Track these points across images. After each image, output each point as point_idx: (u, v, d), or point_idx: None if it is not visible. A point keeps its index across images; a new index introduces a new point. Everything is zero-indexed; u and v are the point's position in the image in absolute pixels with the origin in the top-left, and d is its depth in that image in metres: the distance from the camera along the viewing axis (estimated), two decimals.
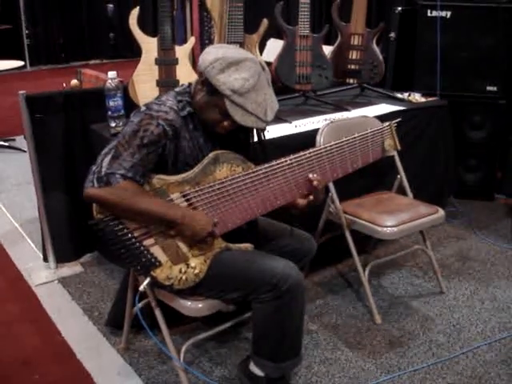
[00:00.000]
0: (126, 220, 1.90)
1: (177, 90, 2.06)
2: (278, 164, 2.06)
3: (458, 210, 3.93)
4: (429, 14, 3.84)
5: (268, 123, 1.99)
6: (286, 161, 2.08)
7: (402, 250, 3.20)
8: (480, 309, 2.88)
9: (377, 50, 3.61)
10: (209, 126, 2.03)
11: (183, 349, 2.20)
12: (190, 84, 2.07)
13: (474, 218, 3.88)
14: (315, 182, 2.09)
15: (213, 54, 1.92)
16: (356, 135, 2.31)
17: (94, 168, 1.88)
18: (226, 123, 1.99)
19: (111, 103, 2.79)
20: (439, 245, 3.52)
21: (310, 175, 2.11)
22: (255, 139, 2.16)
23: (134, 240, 1.90)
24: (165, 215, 1.90)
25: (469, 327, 2.73)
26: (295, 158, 2.10)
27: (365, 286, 2.79)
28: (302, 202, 2.15)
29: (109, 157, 1.88)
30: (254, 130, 2.14)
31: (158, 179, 1.94)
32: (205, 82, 1.94)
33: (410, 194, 3.01)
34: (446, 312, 2.85)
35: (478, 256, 3.41)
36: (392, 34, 4.08)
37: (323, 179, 2.15)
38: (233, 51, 1.95)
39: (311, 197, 2.13)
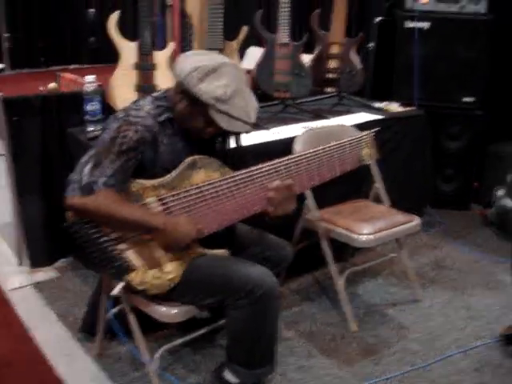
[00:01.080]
0: (102, 224, 1.89)
1: (154, 94, 2.05)
2: (255, 170, 2.06)
3: (435, 219, 3.97)
4: (407, 25, 3.88)
5: (253, 125, 2.00)
6: (263, 167, 2.08)
7: (379, 257, 3.21)
8: (455, 317, 2.90)
9: (356, 59, 3.64)
10: (193, 133, 2.04)
11: (157, 355, 2.19)
12: (167, 89, 2.07)
13: (450, 227, 3.92)
14: (270, 193, 2.05)
15: (189, 62, 1.91)
16: (334, 143, 2.32)
17: (74, 177, 1.87)
18: (211, 129, 2.00)
19: (89, 107, 2.78)
20: (415, 253, 3.54)
21: (269, 185, 2.07)
22: (232, 145, 2.16)
23: (108, 244, 1.89)
24: (146, 222, 1.90)
25: (443, 335, 2.74)
26: (273, 164, 2.10)
27: (341, 294, 2.79)
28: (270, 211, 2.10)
29: (89, 165, 1.86)
30: (232, 136, 2.14)
31: (134, 183, 1.93)
32: (185, 92, 1.93)
33: (387, 202, 3.03)
34: (421, 320, 2.86)
35: (453, 265, 3.44)
36: (371, 44, 4.12)
37: (295, 185, 2.13)
38: (208, 58, 1.95)
39: (270, 208, 2.07)
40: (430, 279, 3.26)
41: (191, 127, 2.02)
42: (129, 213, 1.87)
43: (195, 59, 1.93)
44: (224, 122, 1.92)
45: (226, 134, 2.14)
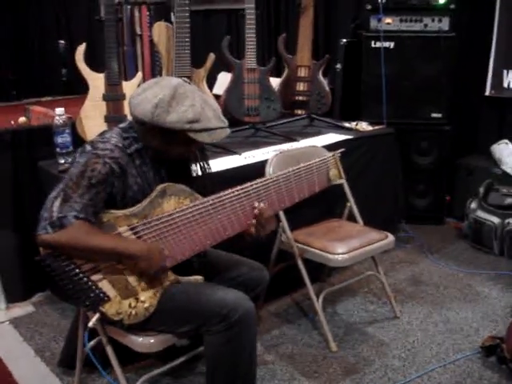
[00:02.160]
0: (74, 256, 1.88)
1: (121, 126, 2.05)
2: (225, 195, 2.08)
3: (410, 235, 4.01)
4: (373, 45, 3.95)
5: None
6: (233, 192, 2.09)
7: (356, 276, 3.23)
8: (434, 332, 2.91)
9: (323, 81, 3.69)
10: (176, 158, 2.07)
11: None
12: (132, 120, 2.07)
13: (425, 242, 3.95)
14: (255, 211, 2.12)
15: (146, 101, 1.91)
16: (301, 165, 2.35)
17: (44, 214, 1.85)
18: (193, 148, 2.06)
19: (59, 140, 2.78)
20: (392, 270, 3.56)
21: (256, 203, 2.13)
22: (200, 173, 2.18)
23: (81, 275, 1.87)
24: (121, 251, 1.89)
25: (423, 350, 2.75)
26: (242, 188, 2.12)
27: (319, 315, 2.80)
28: (253, 230, 2.17)
29: (58, 200, 1.85)
30: (198, 165, 2.17)
31: (106, 213, 1.92)
32: (155, 129, 1.94)
33: (361, 221, 3.05)
34: (400, 336, 2.88)
35: (430, 279, 3.47)
36: (338, 65, 4.18)
37: (267, 208, 2.16)
38: (159, 88, 1.93)
39: (252, 228, 2.14)
40: (408, 295, 3.28)
41: (175, 155, 2.06)
42: (103, 242, 1.86)
43: (148, 96, 1.92)
44: (205, 138, 1.95)
45: (195, 162, 2.17)
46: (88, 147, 1.96)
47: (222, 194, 2.07)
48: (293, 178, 2.29)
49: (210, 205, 2.04)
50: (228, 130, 2.03)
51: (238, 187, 2.11)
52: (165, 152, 2.03)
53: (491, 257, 3.76)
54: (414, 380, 2.54)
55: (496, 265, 3.64)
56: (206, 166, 2.19)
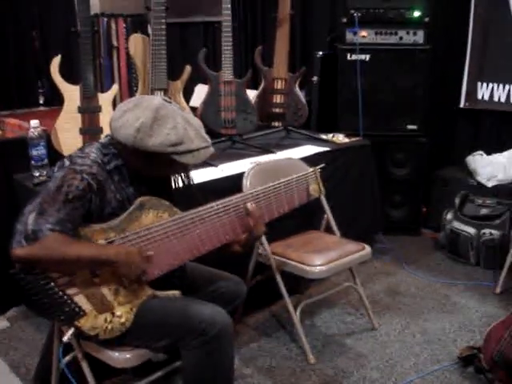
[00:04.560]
0: (49, 269, 1.85)
1: (101, 141, 2.03)
2: (204, 210, 2.06)
3: (386, 247, 4.02)
4: (349, 58, 3.98)
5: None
6: (212, 207, 2.08)
7: (334, 287, 3.23)
8: (411, 343, 2.92)
9: (299, 93, 3.70)
10: (159, 177, 2.09)
11: None
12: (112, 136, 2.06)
13: (402, 253, 3.97)
14: (248, 209, 2.13)
15: (127, 125, 1.89)
16: (281, 181, 2.33)
17: (19, 227, 1.83)
18: (177, 168, 2.08)
19: (34, 152, 2.75)
20: (369, 281, 3.57)
21: (248, 205, 2.13)
22: (181, 184, 2.18)
23: (56, 289, 1.85)
24: (98, 257, 1.86)
25: (401, 362, 2.76)
26: (221, 203, 2.10)
27: (297, 327, 2.79)
28: (241, 238, 2.19)
29: (33, 214, 1.82)
30: (179, 177, 2.17)
31: (82, 227, 1.90)
32: (138, 152, 1.92)
33: (338, 233, 3.06)
34: (378, 348, 2.88)
35: (407, 290, 3.49)
36: (314, 78, 4.20)
37: (258, 209, 2.17)
38: (140, 110, 1.91)
39: (243, 234, 2.17)
40: (385, 306, 3.29)
41: (158, 176, 2.08)
42: (79, 250, 1.83)
43: (129, 119, 1.90)
44: (189, 159, 1.94)
45: (175, 175, 2.18)
46: (66, 162, 1.94)
47: (200, 208, 2.05)
48: (272, 193, 2.27)
49: (189, 219, 2.02)
50: (211, 149, 2.02)
51: (218, 202, 2.10)
52: (148, 172, 2.03)
53: (468, 267, 3.79)
54: None
55: (472, 275, 3.67)
56: (188, 178, 2.20)
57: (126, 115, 1.91)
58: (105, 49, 5.34)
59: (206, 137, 2.01)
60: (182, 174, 2.18)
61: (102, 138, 2.07)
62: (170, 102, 1.98)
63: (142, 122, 1.87)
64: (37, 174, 2.75)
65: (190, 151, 1.93)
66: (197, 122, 2.01)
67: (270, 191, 2.27)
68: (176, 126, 1.90)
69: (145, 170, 2.01)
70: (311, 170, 2.51)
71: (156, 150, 1.89)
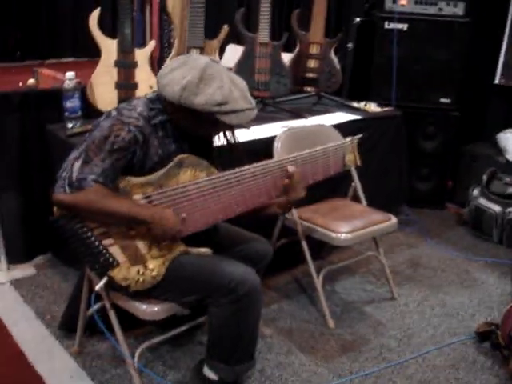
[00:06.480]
0: (87, 219, 1.89)
1: (149, 96, 2.04)
2: (241, 172, 2.08)
3: (410, 219, 4.02)
4: (386, 26, 3.93)
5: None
6: (249, 169, 2.09)
7: (356, 256, 3.26)
8: (430, 315, 2.95)
9: (334, 59, 3.67)
10: (202, 137, 2.09)
11: (137, 352, 2.19)
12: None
13: (425, 226, 3.98)
14: (289, 172, 2.15)
15: (174, 83, 1.90)
16: (318, 148, 2.33)
17: (63, 173, 1.86)
18: (221, 128, 2.07)
19: (68, 104, 2.77)
20: (391, 252, 3.59)
21: (290, 167, 2.15)
22: (225, 143, 2.19)
23: (93, 238, 1.89)
24: (136, 216, 1.90)
25: (419, 332, 2.79)
26: (258, 166, 2.12)
27: (318, 292, 2.82)
28: (280, 200, 2.21)
29: (79, 162, 1.85)
30: (224, 136, 2.18)
31: (122, 180, 1.93)
32: (185, 110, 1.93)
33: (364, 202, 3.07)
34: (397, 318, 2.91)
35: (428, 263, 3.50)
36: (349, 45, 4.16)
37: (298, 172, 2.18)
38: (187, 68, 1.91)
39: (283, 196, 2.19)
40: (406, 277, 3.31)
41: (203, 135, 2.08)
42: (118, 206, 1.87)
43: (176, 77, 1.90)
44: (233, 120, 1.94)
45: (224, 133, 2.18)
46: (114, 112, 1.95)
47: (237, 170, 2.07)
48: (309, 160, 2.27)
49: (225, 180, 2.04)
50: (255, 111, 2.01)
51: (255, 164, 2.11)
52: (192, 130, 2.04)
53: (490, 244, 3.78)
54: (409, 361, 2.58)
55: (494, 253, 3.67)
56: (234, 137, 2.20)
57: (173, 73, 1.92)
58: (138, 3, 5.30)
59: (251, 99, 2.01)
60: (228, 134, 2.18)
61: (150, 93, 2.07)
62: (217, 62, 1.98)
63: (188, 80, 1.88)
64: (70, 126, 2.78)
65: (235, 111, 1.93)
66: (242, 84, 2.01)
67: (307, 158, 2.27)
68: (222, 86, 1.90)
69: (189, 128, 2.02)
70: (349, 139, 2.51)
71: (201, 109, 1.90)
